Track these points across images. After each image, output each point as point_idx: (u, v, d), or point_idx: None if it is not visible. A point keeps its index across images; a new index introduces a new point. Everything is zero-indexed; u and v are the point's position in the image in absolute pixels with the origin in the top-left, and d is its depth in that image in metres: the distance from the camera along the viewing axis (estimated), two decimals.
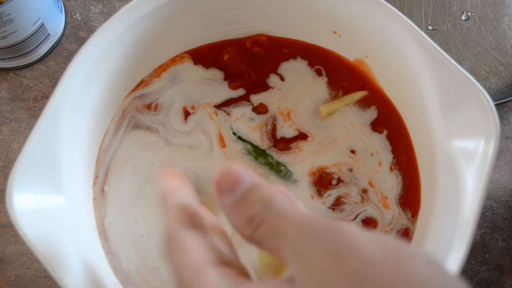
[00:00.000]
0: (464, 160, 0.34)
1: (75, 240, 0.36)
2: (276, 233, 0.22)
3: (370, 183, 0.41)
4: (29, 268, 0.43)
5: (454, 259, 0.32)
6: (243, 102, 0.43)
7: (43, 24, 0.44)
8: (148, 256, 0.40)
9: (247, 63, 0.44)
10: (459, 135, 0.34)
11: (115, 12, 0.38)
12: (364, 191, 0.41)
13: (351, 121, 0.43)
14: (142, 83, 0.43)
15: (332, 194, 0.41)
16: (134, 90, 0.43)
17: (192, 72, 0.44)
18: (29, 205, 0.33)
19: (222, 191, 0.24)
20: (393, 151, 0.42)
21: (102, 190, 0.41)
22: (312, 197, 0.41)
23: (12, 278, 0.42)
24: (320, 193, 0.41)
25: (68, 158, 0.37)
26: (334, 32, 0.42)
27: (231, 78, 0.44)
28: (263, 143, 0.42)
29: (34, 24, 0.43)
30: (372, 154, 0.42)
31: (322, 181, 0.41)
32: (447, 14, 0.52)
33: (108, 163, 0.42)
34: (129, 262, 0.39)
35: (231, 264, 0.23)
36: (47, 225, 0.34)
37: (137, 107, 0.43)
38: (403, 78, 0.39)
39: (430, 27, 0.48)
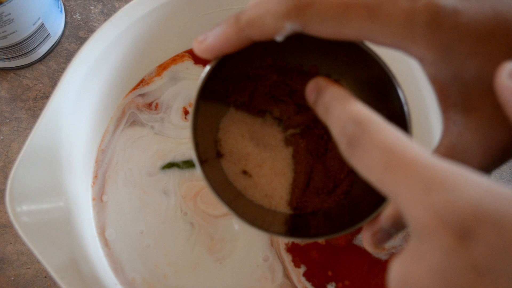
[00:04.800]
0: None
1: (74, 240, 0.36)
2: None
3: None
4: (29, 268, 0.43)
5: None
6: None
7: (43, 24, 0.44)
8: (156, 265, 0.40)
9: None
10: None
11: (115, 12, 0.38)
12: None
13: None
14: (142, 82, 0.43)
15: None
16: (134, 88, 0.43)
17: (193, 70, 0.44)
18: (29, 205, 0.33)
19: None
20: None
21: (101, 199, 0.41)
22: None
23: (12, 278, 0.42)
24: None
25: (67, 158, 0.37)
26: None
27: None
28: None
29: (34, 24, 0.43)
30: None
31: None
32: None
33: (106, 168, 0.42)
34: (133, 271, 0.39)
35: None
36: (46, 225, 0.34)
37: (137, 105, 0.43)
38: (403, 78, 0.39)
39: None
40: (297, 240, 0.39)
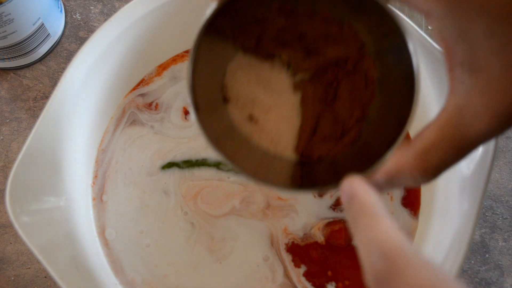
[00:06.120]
0: (464, 159, 0.33)
1: (74, 240, 0.36)
2: None
3: None
4: (29, 268, 0.43)
5: (454, 259, 0.32)
6: None
7: (43, 24, 0.44)
8: (156, 265, 0.40)
9: None
10: None
11: (115, 12, 0.38)
12: None
13: None
14: (142, 82, 0.43)
15: (333, 195, 0.41)
16: (134, 88, 0.43)
17: None
18: (28, 205, 0.33)
19: None
20: None
21: (101, 199, 0.41)
22: (314, 197, 0.41)
23: (12, 278, 0.42)
24: (321, 194, 0.41)
25: (67, 158, 0.37)
26: None
27: None
28: None
29: (34, 24, 0.43)
30: None
31: None
32: None
33: (106, 168, 0.42)
34: (133, 271, 0.39)
35: None
36: (46, 225, 0.34)
37: (138, 105, 0.43)
38: None
39: (430, 27, 0.47)
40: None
